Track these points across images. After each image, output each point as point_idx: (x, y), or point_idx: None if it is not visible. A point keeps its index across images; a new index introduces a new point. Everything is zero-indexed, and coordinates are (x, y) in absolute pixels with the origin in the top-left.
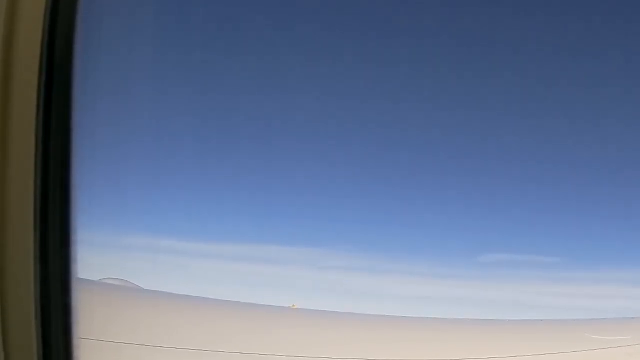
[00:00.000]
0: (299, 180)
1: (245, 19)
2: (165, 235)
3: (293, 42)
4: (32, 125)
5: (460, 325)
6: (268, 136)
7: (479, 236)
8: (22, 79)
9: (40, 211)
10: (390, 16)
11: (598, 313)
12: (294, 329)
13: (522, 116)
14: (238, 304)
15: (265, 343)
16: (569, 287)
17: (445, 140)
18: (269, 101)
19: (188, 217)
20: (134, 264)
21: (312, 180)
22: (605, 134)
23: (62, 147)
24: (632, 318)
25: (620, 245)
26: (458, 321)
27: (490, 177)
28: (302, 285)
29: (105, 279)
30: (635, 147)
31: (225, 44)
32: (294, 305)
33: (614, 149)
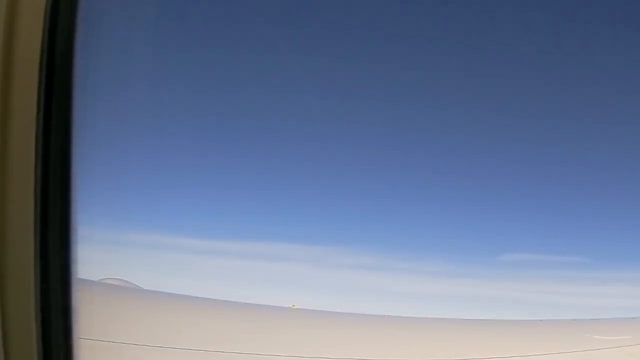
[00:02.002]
0: (315, 179)
1: (244, 18)
2: (166, 234)
3: (293, 42)
4: (32, 125)
5: (461, 325)
6: (272, 135)
7: (500, 236)
8: (22, 79)
9: (40, 211)
10: (390, 17)
11: (612, 312)
12: (294, 329)
13: (544, 118)
14: (238, 304)
15: (265, 343)
16: (589, 287)
17: (467, 141)
18: (276, 99)
19: (188, 215)
20: (134, 263)
21: (332, 179)
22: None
23: (62, 147)
24: (632, 318)
25: None
26: (458, 321)
27: (510, 178)
28: (316, 284)
29: (105, 279)
30: None
31: (224, 43)
32: (293, 306)
33: (632, 150)
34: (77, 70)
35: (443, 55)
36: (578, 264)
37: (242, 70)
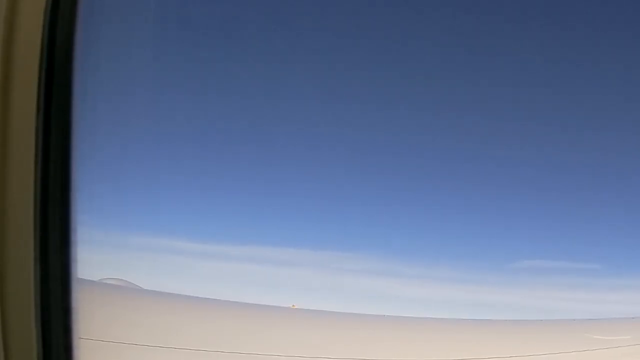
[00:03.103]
0: (322, 183)
1: (245, 19)
2: (166, 235)
3: (293, 43)
4: (32, 125)
5: (460, 326)
6: (270, 137)
7: (511, 243)
8: (22, 79)
9: (40, 211)
10: (389, 17)
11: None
12: (294, 329)
13: (558, 123)
14: (238, 304)
15: (265, 343)
16: (603, 294)
17: (478, 146)
18: (279, 101)
19: (188, 217)
20: (134, 263)
21: (340, 184)
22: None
23: (62, 147)
24: (632, 318)
25: None
26: (457, 321)
27: (524, 184)
28: (324, 290)
29: (105, 279)
30: None
31: (225, 44)
32: (293, 306)
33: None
34: (77, 70)
35: (463, 59)
36: (592, 270)
37: (245, 71)
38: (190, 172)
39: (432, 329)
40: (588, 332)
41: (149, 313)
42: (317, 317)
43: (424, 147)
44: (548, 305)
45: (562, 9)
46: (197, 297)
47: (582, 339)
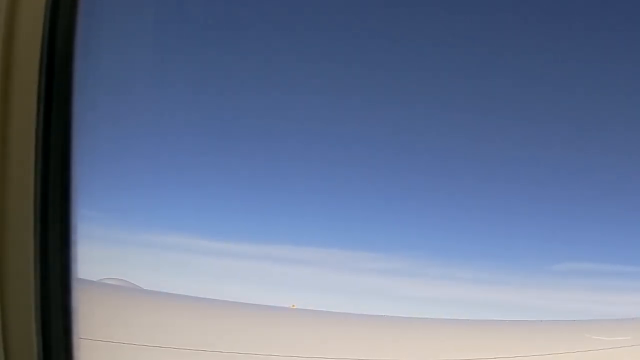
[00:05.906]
0: (345, 182)
1: (245, 18)
2: (166, 235)
3: (294, 42)
4: (32, 125)
5: (459, 326)
6: (273, 135)
7: (553, 244)
8: (22, 79)
9: (40, 211)
10: (389, 17)
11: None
12: (294, 329)
13: (599, 127)
14: (238, 304)
15: (264, 343)
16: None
17: (519, 147)
18: (289, 97)
19: (189, 216)
20: (134, 263)
21: (366, 183)
22: None
23: (62, 147)
24: (632, 318)
25: None
26: (458, 321)
27: (563, 187)
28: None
29: (105, 279)
30: None
31: (225, 42)
32: (293, 306)
33: None
34: (77, 70)
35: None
36: (633, 273)
37: (248, 69)
38: (191, 171)
39: (433, 329)
40: (588, 332)
41: (149, 313)
42: (317, 317)
43: (461, 149)
44: (587, 308)
45: (562, 9)
46: (197, 297)
47: (582, 339)
